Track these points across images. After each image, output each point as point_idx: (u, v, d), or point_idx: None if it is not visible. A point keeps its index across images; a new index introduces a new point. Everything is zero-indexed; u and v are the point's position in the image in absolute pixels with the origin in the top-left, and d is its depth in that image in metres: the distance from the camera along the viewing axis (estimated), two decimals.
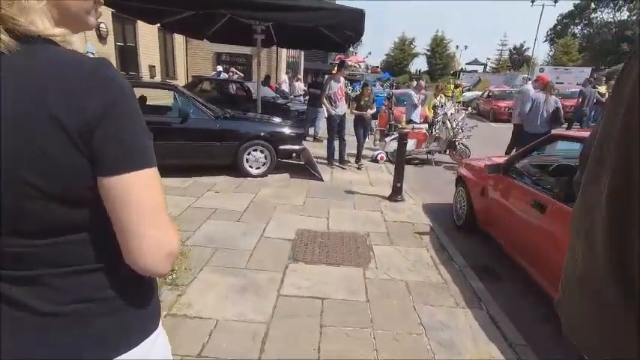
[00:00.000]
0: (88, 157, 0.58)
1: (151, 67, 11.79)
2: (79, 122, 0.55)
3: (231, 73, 11.91)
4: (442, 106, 8.17)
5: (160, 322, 0.77)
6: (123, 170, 0.59)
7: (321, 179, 5.64)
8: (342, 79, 6.49)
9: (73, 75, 0.56)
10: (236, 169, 5.43)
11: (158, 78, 12.17)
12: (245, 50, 14.59)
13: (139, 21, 10.68)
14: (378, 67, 52.02)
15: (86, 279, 0.64)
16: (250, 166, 5.52)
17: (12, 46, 0.54)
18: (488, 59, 56.94)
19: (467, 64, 54.40)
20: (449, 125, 7.41)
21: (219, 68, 12.24)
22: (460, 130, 7.51)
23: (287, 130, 5.65)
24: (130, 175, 0.59)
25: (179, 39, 13.93)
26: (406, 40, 60.36)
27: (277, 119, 6.25)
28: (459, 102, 14.88)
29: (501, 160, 3.74)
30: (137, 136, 0.61)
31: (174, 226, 0.67)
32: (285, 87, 14.34)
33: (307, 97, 9.80)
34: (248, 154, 5.43)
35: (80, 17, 0.64)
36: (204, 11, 6.64)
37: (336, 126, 6.28)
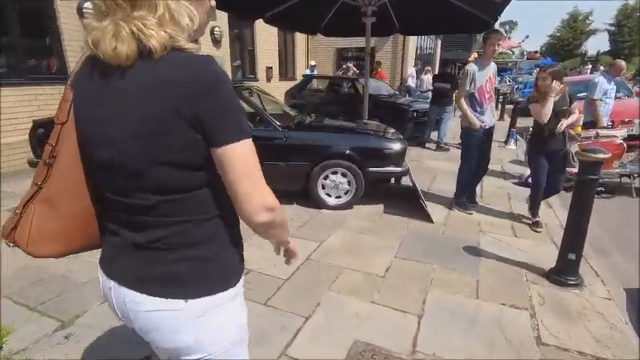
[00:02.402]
0: (201, 135, 0.74)
1: (268, 69, 11.42)
2: (191, 111, 0.72)
3: (344, 69, 10.58)
4: None
5: (241, 285, 0.91)
6: (222, 144, 0.74)
7: (429, 219, 3.72)
8: (492, 65, 3.78)
9: (186, 75, 0.72)
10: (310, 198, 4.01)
11: (275, 79, 11.79)
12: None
13: (257, 24, 10.42)
14: (537, 52, 43.39)
15: (195, 228, 0.82)
16: (328, 194, 4.00)
17: (160, 50, 0.71)
18: None
19: None
20: None
21: (312, 63, 10.96)
22: None
23: (382, 145, 3.91)
24: (228, 147, 0.74)
25: (300, 38, 13.39)
26: (579, 16, 48.63)
27: (376, 127, 4.54)
28: None
29: None
30: (231, 117, 0.75)
31: (268, 188, 0.80)
32: (411, 82, 12.30)
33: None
34: (325, 179, 3.93)
35: (202, 30, 0.84)
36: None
37: (477, 145, 3.83)
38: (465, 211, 3.99)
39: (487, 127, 3.80)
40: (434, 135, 7.55)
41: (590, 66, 20.23)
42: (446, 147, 7.19)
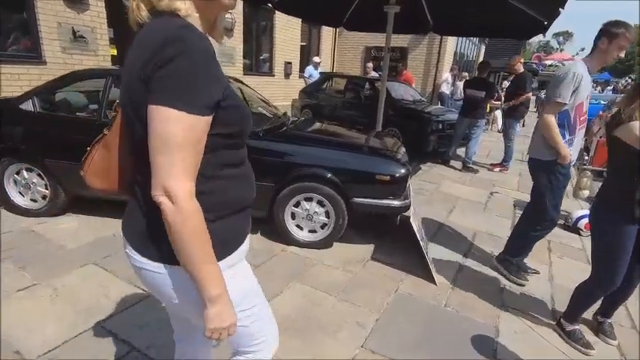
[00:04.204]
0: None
1: (287, 64, 10.55)
2: (145, 73, 0.72)
3: (367, 69, 9.49)
4: None
5: (233, 259, 0.92)
6: (153, 102, 0.71)
7: (431, 278, 2.66)
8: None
9: (155, 36, 0.72)
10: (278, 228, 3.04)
11: (295, 75, 10.90)
12: (402, 42, 11.96)
13: (277, 14, 9.60)
14: None
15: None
16: (299, 227, 3.02)
17: (145, 19, 0.78)
18: None
19: None
20: None
21: (317, 59, 9.54)
22: None
23: (376, 169, 2.87)
24: (153, 107, 0.71)
25: (327, 34, 12.44)
26: None
27: (389, 143, 3.53)
28: None
29: None
30: (173, 83, 0.70)
31: (189, 177, 0.75)
32: (445, 88, 11.04)
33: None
34: (296, 206, 2.96)
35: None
36: None
37: (563, 187, 2.52)
38: (514, 277, 2.75)
39: (573, 163, 2.52)
40: (461, 151, 6.39)
41: None
42: (474, 168, 6.00)
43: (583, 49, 52.37)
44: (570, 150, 2.40)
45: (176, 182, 0.72)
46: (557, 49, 54.28)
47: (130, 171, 0.91)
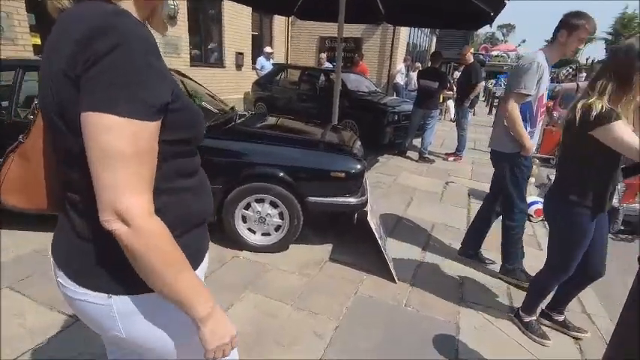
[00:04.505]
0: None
1: (238, 55, 10.10)
2: (75, 72, 0.59)
3: (321, 60, 9.30)
4: None
5: None
6: (87, 108, 0.59)
7: (390, 276, 2.57)
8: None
9: (81, 26, 0.60)
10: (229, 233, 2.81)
11: (247, 67, 10.48)
12: (355, 32, 11.88)
13: (224, 1, 9.13)
14: None
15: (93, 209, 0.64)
16: (251, 230, 2.82)
17: (66, 3, 0.67)
18: None
19: None
20: None
21: (269, 50, 9.25)
22: None
23: (330, 166, 2.71)
24: (86, 114, 0.59)
25: (280, 23, 12.08)
26: None
27: (346, 136, 3.39)
28: None
29: None
30: (119, 85, 0.58)
31: (143, 191, 0.63)
32: (399, 79, 11.13)
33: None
34: (247, 208, 2.74)
35: None
36: None
37: (527, 178, 2.51)
38: (521, 282, 2.59)
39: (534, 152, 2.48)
40: (417, 142, 6.43)
41: (584, 74, 19.31)
42: (430, 158, 6.06)
43: (524, 41, 55.78)
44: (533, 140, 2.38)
45: (128, 200, 0.60)
46: (502, 40, 57.26)
47: (61, 185, 0.77)
